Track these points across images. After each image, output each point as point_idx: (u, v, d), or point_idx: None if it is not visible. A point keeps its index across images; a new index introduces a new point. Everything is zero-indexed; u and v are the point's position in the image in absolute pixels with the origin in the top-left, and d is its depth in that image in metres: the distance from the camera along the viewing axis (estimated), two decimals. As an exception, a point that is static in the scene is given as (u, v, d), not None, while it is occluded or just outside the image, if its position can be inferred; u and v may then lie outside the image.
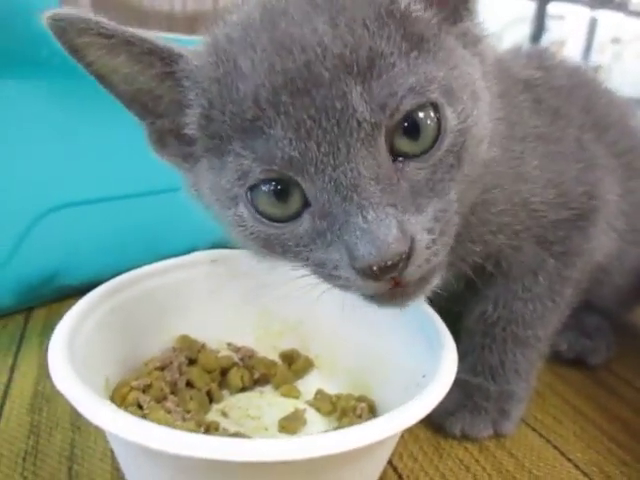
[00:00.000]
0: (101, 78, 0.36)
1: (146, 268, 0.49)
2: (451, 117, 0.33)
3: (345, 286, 0.34)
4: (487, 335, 0.49)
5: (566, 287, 0.49)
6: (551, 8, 3.86)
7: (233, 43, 0.34)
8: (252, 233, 0.35)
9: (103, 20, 0.33)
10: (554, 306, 0.49)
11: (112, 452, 0.42)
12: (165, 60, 0.36)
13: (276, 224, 0.34)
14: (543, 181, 0.45)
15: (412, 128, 0.32)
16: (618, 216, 0.52)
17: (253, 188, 0.34)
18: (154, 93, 0.37)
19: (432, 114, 0.32)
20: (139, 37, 0.34)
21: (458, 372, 0.39)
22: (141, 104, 0.38)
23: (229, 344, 0.53)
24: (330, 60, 0.31)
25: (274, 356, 0.54)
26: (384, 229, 0.30)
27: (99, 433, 0.44)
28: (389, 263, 0.30)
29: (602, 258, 0.52)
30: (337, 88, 0.30)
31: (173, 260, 0.51)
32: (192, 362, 0.50)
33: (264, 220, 0.34)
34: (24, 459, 0.42)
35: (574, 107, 0.50)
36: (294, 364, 0.53)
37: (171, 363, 0.48)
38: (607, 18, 3.96)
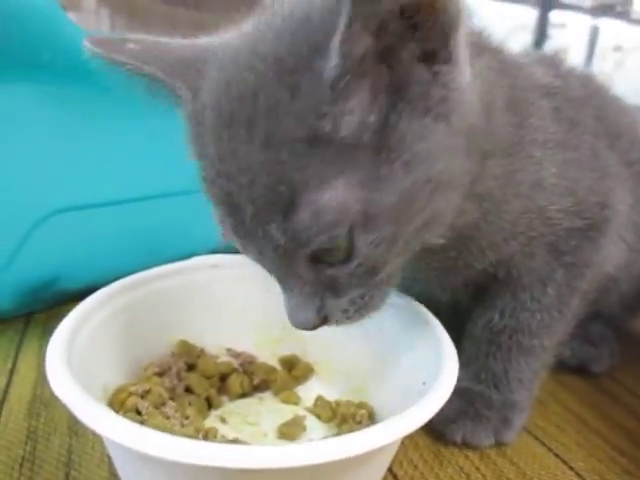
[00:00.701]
0: None
1: (146, 273, 0.49)
2: (362, 246, 0.33)
3: None
4: (492, 343, 0.49)
5: (574, 298, 0.49)
6: (553, 16, 3.87)
7: (195, 118, 0.36)
8: None
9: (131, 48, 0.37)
10: (561, 317, 0.49)
11: (110, 458, 0.41)
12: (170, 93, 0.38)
13: None
14: (560, 189, 0.45)
15: (316, 256, 0.34)
16: (628, 227, 0.51)
17: None
18: None
19: (344, 241, 0.33)
20: (151, 71, 0.37)
21: (460, 379, 0.38)
22: None
23: (229, 350, 0.53)
24: (257, 192, 0.32)
25: (274, 362, 0.54)
26: (303, 313, 0.37)
27: (97, 439, 0.44)
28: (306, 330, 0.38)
29: (611, 269, 0.52)
30: (260, 219, 0.33)
31: (173, 265, 0.51)
32: (191, 368, 0.50)
33: None
34: (21, 465, 0.42)
35: (588, 116, 0.49)
36: (294, 370, 0.53)
37: (170, 369, 0.48)
38: (609, 26, 3.97)
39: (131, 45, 0.38)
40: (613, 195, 0.48)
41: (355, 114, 0.31)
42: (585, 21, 4.00)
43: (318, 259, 0.34)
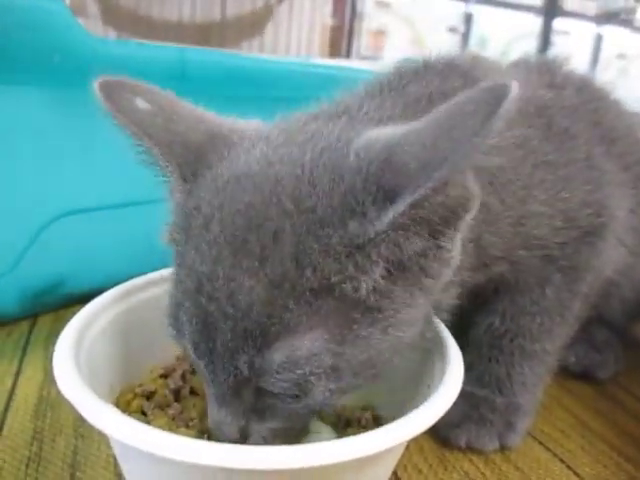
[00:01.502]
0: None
1: (152, 275, 0.49)
2: (319, 392, 0.33)
3: None
4: (494, 347, 0.49)
5: (575, 302, 0.49)
6: (557, 24, 3.89)
7: (192, 224, 0.35)
8: None
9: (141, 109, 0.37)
10: (562, 320, 0.49)
11: (115, 459, 0.42)
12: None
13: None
14: (551, 211, 0.44)
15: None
16: (627, 231, 0.51)
17: None
18: None
19: (296, 389, 0.33)
20: (149, 145, 0.37)
21: (464, 384, 0.38)
22: None
23: (234, 353, 0.53)
24: (240, 323, 0.31)
25: (278, 365, 0.53)
26: (226, 427, 0.35)
27: (102, 440, 0.44)
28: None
29: (612, 273, 0.52)
30: (232, 348, 0.32)
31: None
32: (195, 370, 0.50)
33: None
34: (27, 465, 0.42)
35: (583, 123, 0.49)
36: (298, 373, 0.52)
37: (175, 370, 0.48)
38: (613, 34, 3.98)
39: (141, 104, 0.37)
40: (610, 202, 0.48)
41: (373, 279, 0.32)
42: (589, 29, 4.01)
43: (266, 390, 0.34)
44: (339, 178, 0.31)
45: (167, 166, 0.36)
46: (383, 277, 0.32)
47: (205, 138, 0.37)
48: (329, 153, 0.33)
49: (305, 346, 0.32)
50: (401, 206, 0.29)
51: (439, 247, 0.33)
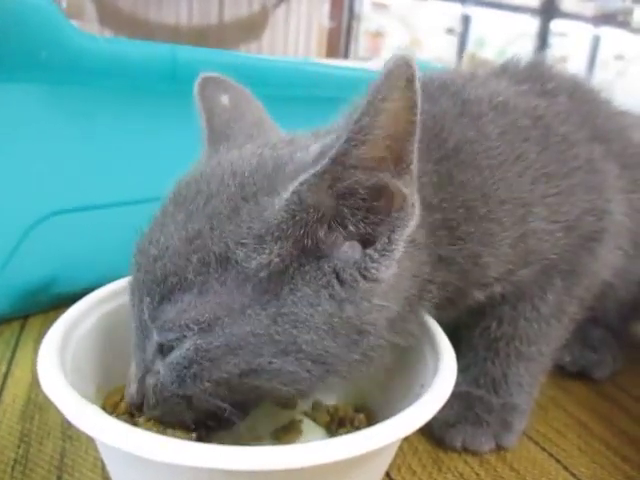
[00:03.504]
0: None
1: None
2: (186, 345, 0.34)
3: None
4: (490, 349, 0.49)
5: (572, 305, 0.48)
6: (554, 25, 3.89)
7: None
8: None
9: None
10: (559, 324, 0.48)
11: (103, 462, 0.41)
12: None
13: None
14: (552, 226, 0.43)
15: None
16: (624, 234, 0.51)
17: None
18: None
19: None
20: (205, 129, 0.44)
21: (460, 384, 0.38)
22: None
23: (225, 353, 0.52)
24: (151, 270, 0.35)
25: (271, 366, 0.53)
26: (133, 386, 0.38)
27: (90, 443, 0.43)
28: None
29: (608, 276, 0.51)
30: (142, 290, 0.36)
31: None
32: (187, 371, 0.49)
33: None
34: (13, 468, 0.41)
35: (579, 127, 0.48)
36: (291, 374, 0.52)
37: (165, 371, 0.47)
38: (610, 35, 3.98)
39: (224, 99, 0.45)
40: (610, 206, 0.47)
41: (270, 255, 0.32)
42: (587, 30, 4.02)
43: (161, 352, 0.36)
44: (281, 169, 0.34)
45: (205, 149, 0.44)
46: (283, 259, 0.33)
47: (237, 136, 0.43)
48: (288, 154, 0.36)
49: (194, 303, 0.33)
50: (304, 176, 0.31)
51: (364, 255, 0.33)
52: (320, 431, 0.47)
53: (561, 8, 3.90)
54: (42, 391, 0.33)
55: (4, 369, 0.54)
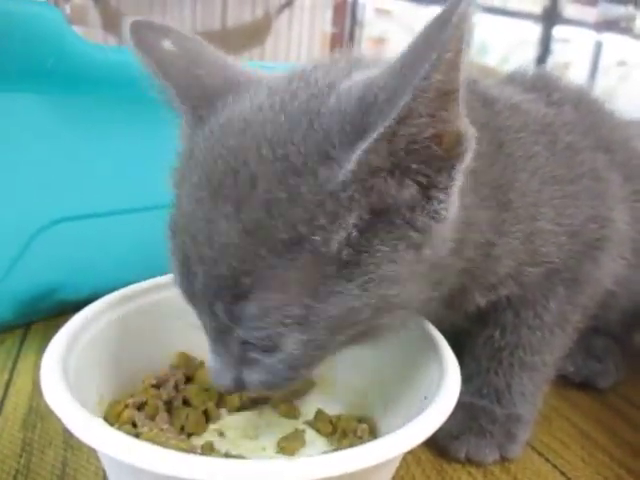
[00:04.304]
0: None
1: (144, 283, 0.49)
2: (290, 343, 0.34)
3: None
4: (493, 359, 0.48)
5: (575, 314, 0.48)
6: (556, 31, 3.89)
7: (182, 171, 0.37)
8: None
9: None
10: (562, 333, 0.48)
11: (104, 472, 0.41)
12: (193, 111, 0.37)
13: None
14: (558, 229, 0.44)
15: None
16: (627, 243, 0.51)
17: None
18: None
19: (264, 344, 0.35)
20: (167, 85, 0.37)
21: (463, 395, 0.38)
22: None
23: (228, 362, 0.52)
24: (217, 270, 0.32)
25: (274, 375, 0.53)
26: (222, 377, 0.37)
27: (92, 452, 0.43)
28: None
29: (611, 285, 0.51)
30: (208, 295, 0.33)
31: (172, 276, 0.50)
32: (189, 380, 0.49)
33: None
34: (15, 477, 0.41)
35: (584, 137, 0.48)
36: (294, 383, 0.52)
37: (167, 381, 0.47)
38: (612, 41, 3.98)
39: (167, 44, 0.38)
40: (614, 214, 0.47)
41: (347, 228, 0.31)
42: (589, 36, 4.02)
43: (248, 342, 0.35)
44: (317, 123, 0.31)
45: (181, 108, 0.37)
46: (359, 228, 0.31)
47: (222, 84, 0.37)
48: (314, 99, 0.32)
49: (277, 298, 0.31)
50: (368, 142, 0.28)
51: (429, 198, 0.31)
52: (323, 441, 0.47)
53: (563, 14, 3.90)
54: (44, 400, 0.33)
55: (6, 377, 0.53)
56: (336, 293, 0.32)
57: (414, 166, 0.30)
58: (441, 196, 0.31)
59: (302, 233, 0.30)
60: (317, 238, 0.30)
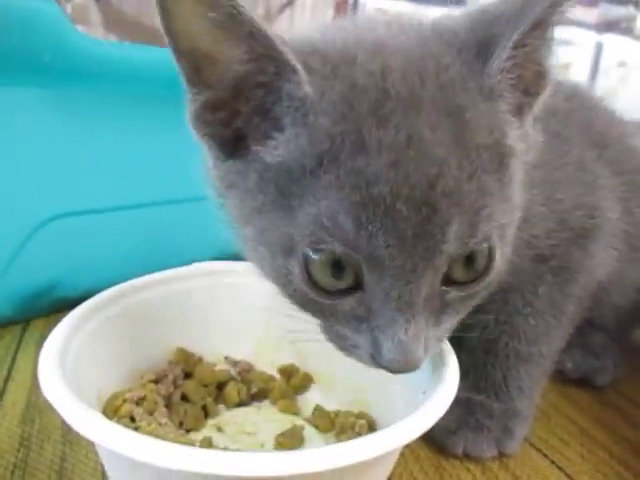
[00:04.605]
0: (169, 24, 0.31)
1: (143, 279, 0.49)
2: (497, 260, 0.34)
3: (352, 355, 0.37)
4: (489, 352, 0.48)
5: (568, 304, 0.48)
6: (557, 32, 3.89)
7: (363, 100, 0.31)
8: (293, 290, 0.35)
9: None
10: (557, 323, 0.48)
11: (103, 467, 0.41)
12: (274, 69, 0.32)
13: (321, 294, 0.34)
14: (546, 213, 0.44)
15: (470, 262, 0.34)
16: (618, 235, 0.51)
17: (313, 253, 0.32)
18: (244, 82, 0.33)
19: (487, 253, 0.34)
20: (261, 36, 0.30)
21: (460, 390, 0.38)
22: (200, 70, 0.33)
23: (226, 357, 0.52)
24: (450, 185, 0.31)
25: (272, 371, 0.53)
26: (416, 347, 0.33)
27: (90, 447, 0.43)
28: (407, 371, 0.34)
29: (603, 277, 0.51)
30: (444, 217, 0.31)
31: (171, 271, 0.51)
32: (188, 375, 0.49)
33: (310, 286, 0.33)
34: (12, 472, 0.41)
35: (573, 129, 0.49)
36: (292, 379, 0.52)
37: (166, 376, 0.47)
38: (613, 42, 3.98)
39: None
40: (602, 204, 0.48)
41: (523, 127, 0.36)
42: (590, 37, 4.01)
43: (450, 279, 0.34)
44: (455, 38, 0.34)
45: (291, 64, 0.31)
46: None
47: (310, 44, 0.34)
48: (435, 25, 0.36)
49: (500, 205, 0.33)
50: (509, 44, 0.32)
51: (521, 127, 0.35)
52: (322, 437, 0.47)
53: (564, 15, 3.90)
54: (42, 395, 0.33)
55: (5, 372, 0.53)
56: (507, 198, 0.34)
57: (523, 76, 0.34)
58: (529, 121, 0.36)
59: (509, 135, 0.34)
60: (518, 144, 0.35)
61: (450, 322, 0.36)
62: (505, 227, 0.34)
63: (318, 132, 0.31)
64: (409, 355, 0.32)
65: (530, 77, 0.34)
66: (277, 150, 0.33)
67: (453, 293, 0.34)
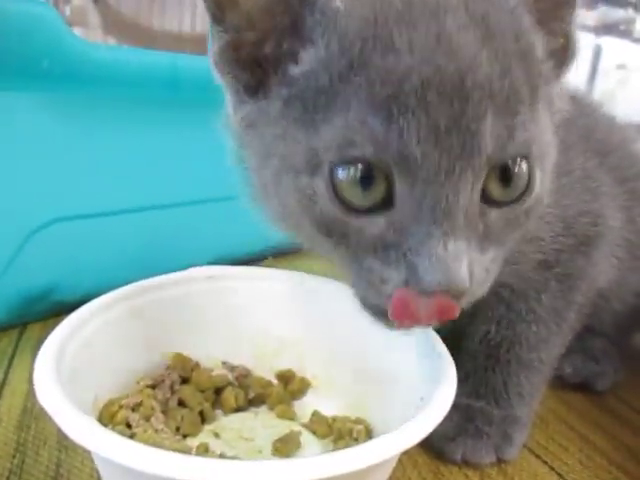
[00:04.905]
0: None
1: (140, 283, 0.48)
2: (537, 181, 0.34)
3: (378, 294, 0.33)
4: (490, 357, 0.48)
5: (570, 311, 0.48)
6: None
7: (390, 9, 0.32)
8: (319, 212, 0.33)
9: None
10: (558, 330, 0.48)
11: (98, 473, 0.40)
12: None
13: (348, 213, 0.32)
14: (552, 217, 0.44)
15: (507, 176, 0.32)
16: (620, 243, 0.51)
17: (341, 164, 0.31)
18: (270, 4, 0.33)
19: (526, 171, 0.33)
20: None
21: (459, 395, 0.37)
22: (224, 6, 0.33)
23: (224, 362, 0.52)
24: (481, 78, 0.30)
25: (270, 376, 0.52)
26: (458, 263, 0.30)
27: (86, 454, 0.43)
28: (451, 295, 0.30)
29: (603, 284, 0.51)
30: (478, 110, 0.30)
31: (168, 276, 0.50)
32: (185, 381, 0.49)
33: (337, 203, 0.32)
34: (8, 478, 0.41)
35: (576, 136, 0.49)
36: (290, 384, 0.51)
37: (163, 381, 0.47)
38: (612, 45, 3.99)
39: None
40: (606, 212, 0.48)
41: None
42: (588, 40, 4.02)
43: (489, 198, 0.32)
44: None
45: None
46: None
47: None
48: None
49: (522, 118, 0.31)
50: None
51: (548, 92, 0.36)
52: (319, 443, 0.46)
53: None
54: (38, 401, 0.32)
55: (1, 377, 0.53)
56: (541, 124, 0.34)
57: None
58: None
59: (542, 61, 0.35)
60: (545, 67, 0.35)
61: (494, 253, 0.33)
62: (542, 156, 0.34)
63: (349, 37, 0.31)
64: (451, 274, 0.29)
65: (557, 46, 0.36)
66: (305, 64, 0.33)
67: (494, 214, 0.32)
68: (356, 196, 0.31)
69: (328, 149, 0.31)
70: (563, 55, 0.37)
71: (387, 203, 0.31)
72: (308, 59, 0.33)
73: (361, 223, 0.32)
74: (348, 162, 0.31)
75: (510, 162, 0.32)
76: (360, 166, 0.30)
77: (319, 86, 0.32)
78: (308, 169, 0.32)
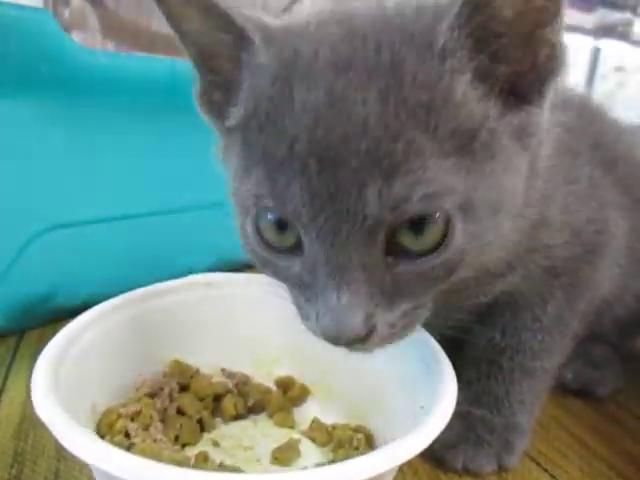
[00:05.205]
0: (173, 22, 0.37)
1: (139, 291, 0.48)
2: (459, 235, 0.32)
3: (307, 328, 0.36)
4: (493, 364, 0.48)
5: (574, 320, 0.48)
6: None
7: (297, 63, 0.33)
8: (251, 249, 0.37)
9: None
10: (562, 338, 0.48)
11: (97, 483, 0.40)
12: (235, 40, 0.35)
13: (271, 252, 0.35)
14: (561, 224, 0.44)
15: (417, 227, 0.32)
16: (623, 251, 0.51)
17: (260, 211, 0.34)
18: (216, 55, 0.37)
19: (441, 225, 0.32)
20: (219, 10, 0.34)
21: (460, 403, 0.37)
22: (201, 56, 0.38)
23: (223, 370, 0.51)
24: (367, 144, 0.30)
25: (269, 383, 0.52)
26: (351, 316, 0.31)
27: (84, 463, 0.43)
28: (343, 342, 0.33)
29: (606, 291, 0.52)
30: (359, 177, 0.30)
31: (167, 283, 0.50)
32: (184, 388, 0.49)
33: (262, 243, 0.35)
34: (5, 488, 0.41)
35: (584, 145, 0.49)
36: (290, 392, 0.51)
37: (162, 389, 0.46)
38: (610, 47, 3.99)
39: None
40: (611, 221, 0.48)
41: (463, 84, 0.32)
42: (586, 42, 4.02)
43: (398, 249, 0.32)
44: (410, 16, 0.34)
45: (245, 29, 0.35)
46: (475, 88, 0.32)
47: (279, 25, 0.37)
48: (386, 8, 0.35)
49: (435, 167, 0.30)
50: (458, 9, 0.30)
51: (527, 113, 0.34)
52: (318, 451, 0.46)
53: (561, 20, 3.91)
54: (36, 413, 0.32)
55: (-1, 385, 0.53)
56: (486, 174, 0.32)
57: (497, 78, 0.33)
58: (536, 110, 0.35)
59: (433, 93, 0.32)
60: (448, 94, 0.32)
61: (407, 305, 0.34)
62: (475, 202, 0.32)
63: (260, 93, 0.34)
64: (340, 324, 0.31)
65: (542, 57, 0.33)
66: (232, 120, 0.36)
67: (402, 266, 0.32)
68: (274, 238, 0.35)
69: (250, 197, 0.34)
70: (550, 64, 0.34)
71: (300, 248, 0.34)
72: (235, 114, 0.36)
73: (283, 262, 0.35)
74: (263, 210, 0.34)
75: (416, 217, 0.31)
76: (270, 215, 0.34)
77: (247, 137, 0.34)
78: (243, 210, 0.36)
